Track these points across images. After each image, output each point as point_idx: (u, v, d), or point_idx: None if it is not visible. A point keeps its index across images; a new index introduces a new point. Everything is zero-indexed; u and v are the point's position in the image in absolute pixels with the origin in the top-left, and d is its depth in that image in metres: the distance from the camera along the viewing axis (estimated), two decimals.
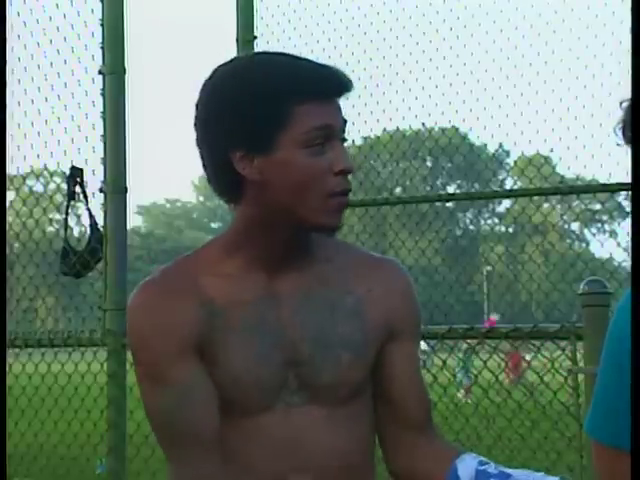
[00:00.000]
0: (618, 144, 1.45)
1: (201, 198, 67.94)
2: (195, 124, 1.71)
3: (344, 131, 1.71)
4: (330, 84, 1.68)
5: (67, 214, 4.58)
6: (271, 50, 1.86)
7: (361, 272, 1.78)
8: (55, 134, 4.61)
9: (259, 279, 1.72)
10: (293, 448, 1.70)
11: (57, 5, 4.63)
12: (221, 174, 1.70)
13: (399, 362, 1.78)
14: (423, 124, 5.67)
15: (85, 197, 4.52)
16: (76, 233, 4.75)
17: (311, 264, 1.75)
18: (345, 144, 1.72)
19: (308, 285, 1.73)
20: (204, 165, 1.72)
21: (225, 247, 1.75)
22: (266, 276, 1.72)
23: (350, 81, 1.71)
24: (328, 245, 1.80)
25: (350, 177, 1.71)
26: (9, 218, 4.94)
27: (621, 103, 1.44)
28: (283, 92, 1.65)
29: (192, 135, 1.74)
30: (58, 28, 4.61)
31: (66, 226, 4.59)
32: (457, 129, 6.07)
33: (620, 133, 1.44)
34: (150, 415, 1.71)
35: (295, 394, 1.71)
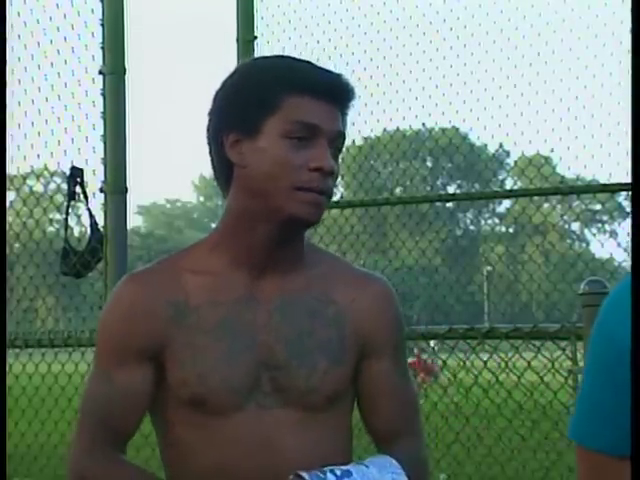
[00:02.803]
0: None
1: (201, 198, 67.97)
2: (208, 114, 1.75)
3: (338, 141, 1.70)
4: (328, 86, 1.69)
5: (67, 214, 4.57)
6: (274, 52, 1.88)
7: (346, 283, 1.77)
8: (55, 134, 4.61)
9: (241, 278, 1.72)
10: (261, 450, 1.67)
11: (57, 5, 4.62)
12: (216, 159, 1.74)
13: (373, 379, 1.77)
14: (423, 124, 5.66)
15: (85, 197, 4.51)
16: (76, 233, 4.74)
17: (296, 270, 1.74)
18: (339, 156, 1.72)
19: (290, 289, 1.73)
20: (209, 152, 1.75)
21: (213, 242, 1.76)
22: (249, 276, 1.72)
23: (352, 91, 1.72)
24: (317, 254, 1.80)
25: (349, 180, 1.71)
26: (9, 218, 4.94)
27: None
28: (279, 80, 1.67)
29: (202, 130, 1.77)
30: (58, 28, 4.61)
31: (66, 226, 4.58)
32: (457, 129, 6.07)
33: None
34: (84, 397, 1.77)
35: (269, 397, 1.69)
